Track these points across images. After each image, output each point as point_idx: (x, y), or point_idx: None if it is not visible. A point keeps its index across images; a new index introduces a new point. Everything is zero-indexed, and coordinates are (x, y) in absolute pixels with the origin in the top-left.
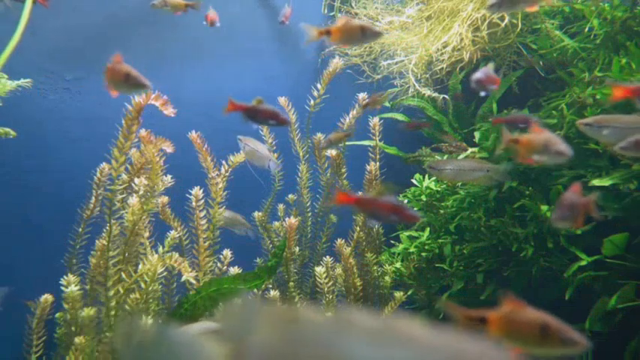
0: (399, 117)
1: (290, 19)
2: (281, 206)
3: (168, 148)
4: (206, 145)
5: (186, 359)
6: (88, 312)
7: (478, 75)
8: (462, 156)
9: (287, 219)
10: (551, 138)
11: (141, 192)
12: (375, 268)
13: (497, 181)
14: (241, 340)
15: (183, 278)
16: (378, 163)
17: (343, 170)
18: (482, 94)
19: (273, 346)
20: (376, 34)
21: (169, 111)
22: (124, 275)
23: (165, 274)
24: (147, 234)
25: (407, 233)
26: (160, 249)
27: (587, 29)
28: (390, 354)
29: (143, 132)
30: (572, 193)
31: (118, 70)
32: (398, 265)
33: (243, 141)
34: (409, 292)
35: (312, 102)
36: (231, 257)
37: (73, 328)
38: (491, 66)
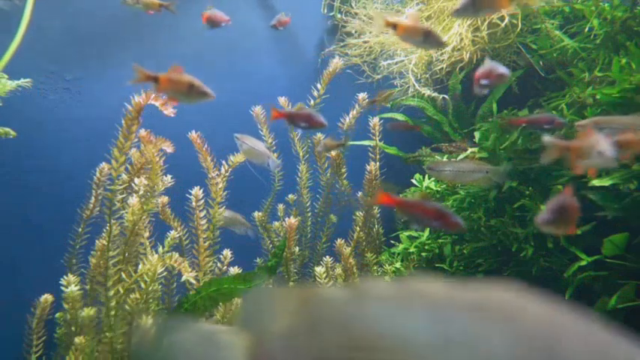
0: (399, 117)
1: (290, 19)
2: (281, 206)
3: (169, 148)
4: (206, 145)
5: (206, 357)
6: (88, 312)
7: (483, 71)
8: (461, 156)
9: (287, 219)
10: (600, 140)
11: (141, 192)
12: (375, 268)
13: (497, 182)
14: (261, 332)
15: (183, 278)
16: (378, 163)
17: (343, 170)
18: (486, 92)
19: (295, 334)
20: (439, 43)
21: (169, 111)
22: (124, 275)
23: (165, 274)
24: (147, 234)
25: (407, 233)
26: (160, 249)
27: (587, 29)
28: (416, 316)
29: (143, 132)
30: (562, 198)
31: (180, 81)
32: (398, 265)
33: (240, 139)
34: None
35: (312, 102)
36: (231, 257)
37: (73, 328)
38: (488, 62)
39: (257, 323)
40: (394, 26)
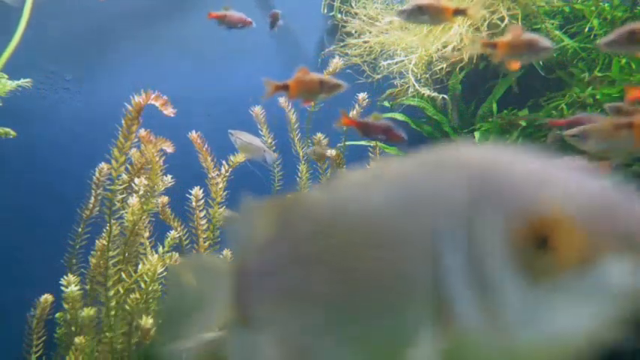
0: (399, 117)
1: (290, 19)
2: None
3: (169, 148)
4: (206, 145)
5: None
6: (88, 312)
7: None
8: None
9: None
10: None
11: (141, 192)
12: None
13: None
14: (242, 250)
15: None
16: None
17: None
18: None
19: (271, 241)
20: (547, 49)
21: (169, 111)
22: (124, 275)
23: (165, 274)
24: (147, 234)
25: None
26: (160, 249)
27: (587, 29)
28: (378, 191)
29: (143, 132)
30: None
31: (311, 81)
32: None
33: (234, 135)
34: None
35: (312, 102)
36: (231, 257)
37: (73, 328)
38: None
39: (239, 242)
40: (493, 46)
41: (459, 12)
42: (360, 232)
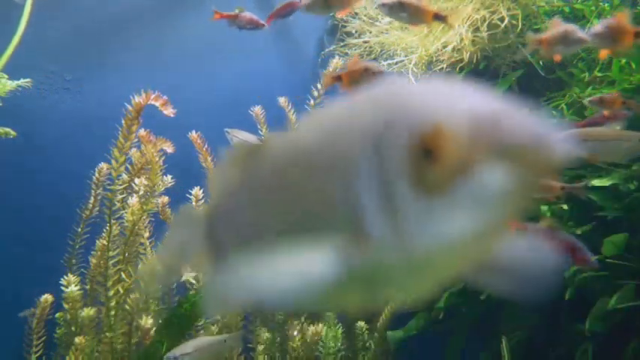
0: None
1: (290, 19)
2: None
3: (169, 148)
4: (206, 145)
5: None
6: (88, 312)
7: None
8: None
9: None
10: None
11: (141, 192)
12: None
13: None
14: (214, 196)
15: (183, 278)
16: None
17: None
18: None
19: (235, 185)
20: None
21: (169, 111)
22: (123, 275)
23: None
24: (147, 234)
25: None
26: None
27: (587, 29)
28: (313, 131)
29: (143, 132)
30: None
31: (359, 69)
32: None
33: (231, 133)
34: None
35: (312, 102)
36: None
37: (73, 328)
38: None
39: (212, 189)
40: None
41: (439, 17)
42: (298, 167)
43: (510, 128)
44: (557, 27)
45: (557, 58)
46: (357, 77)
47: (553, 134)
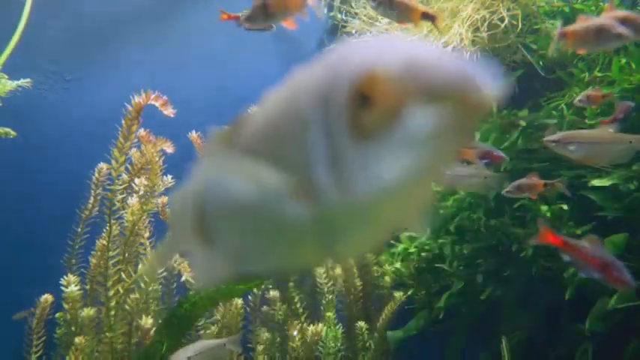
0: None
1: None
2: None
3: (169, 148)
4: None
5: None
6: (88, 312)
7: None
8: None
9: None
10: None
11: (141, 192)
12: (375, 268)
13: (494, 188)
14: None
15: (183, 278)
16: None
17: None
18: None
19: (215, 164)
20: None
21: (169, 111)
22: (123, 275)
23: (165, 274)
24: (147, 234)
25: (407, 233)
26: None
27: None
28: (269, 100)
29: (143, 132)
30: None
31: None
32: (398, 265)
33: None
34: (409, 292)
35: None
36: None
37: (73, 328)
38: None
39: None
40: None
41: (427, 16)
42: (266, 131)
43: (440, 70)
44: (588, 20)
45: (581, 51)
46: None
47: (482, 74)
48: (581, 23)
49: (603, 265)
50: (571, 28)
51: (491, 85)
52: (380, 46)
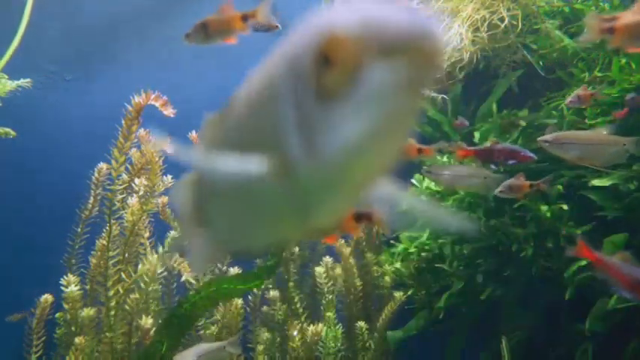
0: None
1: (290, 19)
2: None
3: (169, 148)
4: None
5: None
6: (88, 312)
7: None
8: None
9: None
10: None
11: (141, 192)
12: (375, 268)
13: (493, 189)
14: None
15: (183, 278)
16: None
17: None
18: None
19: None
20: None
21: (169, 111)
22: (123, 275)
23: (165, 274)
24: (147, 234)
25: (407, 233)
26: (160, 249)
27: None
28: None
29: (142, 132)
30: None
31: None
32: (398, 265)
33: None
34: (409, 292)
35: None
36: (230, 257)
37: (73, 328)
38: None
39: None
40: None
41: None
42: (249, 109)
43: (393, 25)
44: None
45: (633, 49)
46: None
47: (432, 24)
48: (632, 16)
49: (635, 284)
50: (622, 21)
51: (439, 33)
52: (339, 9)
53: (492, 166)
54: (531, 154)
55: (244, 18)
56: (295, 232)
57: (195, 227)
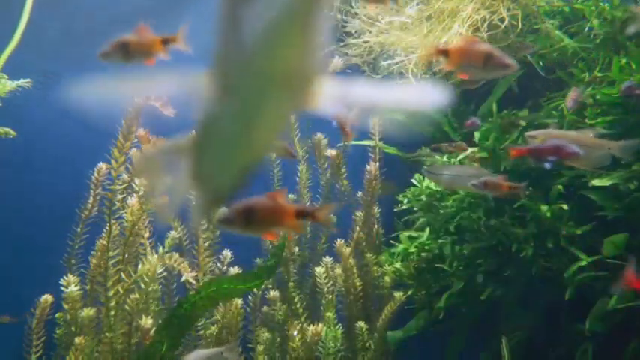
0: (399, 117)
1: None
2: None
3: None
4: None
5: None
6: (88, 312)
7: None
8: (461, 156)
9: None
10: None
11: (141, 192)
12: (375, 268)
13: None
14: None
15: (183, 278)
16: (378, 163)
17: (343, 170)
18: None
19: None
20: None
21: (169, 111)
22: (123, 275)
23: (165, 274)
24: (147, 234)
25: (407, 233)
26: (160, 249)
27: (586, 29)
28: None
29: (142, 132)
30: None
31: (475, 51)
32: (398, 265)
33: None
34: (409, 292)
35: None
36: (231, 257)
37: (73, 328)
38: None
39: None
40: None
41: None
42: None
43: None
44: None
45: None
46: (472, 60)
47: None
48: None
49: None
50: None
51: None
52: None
53: (546, 165)
54: (577, 150)
55: (165, 42)
56: (253, 151)
57: (195, 180)
